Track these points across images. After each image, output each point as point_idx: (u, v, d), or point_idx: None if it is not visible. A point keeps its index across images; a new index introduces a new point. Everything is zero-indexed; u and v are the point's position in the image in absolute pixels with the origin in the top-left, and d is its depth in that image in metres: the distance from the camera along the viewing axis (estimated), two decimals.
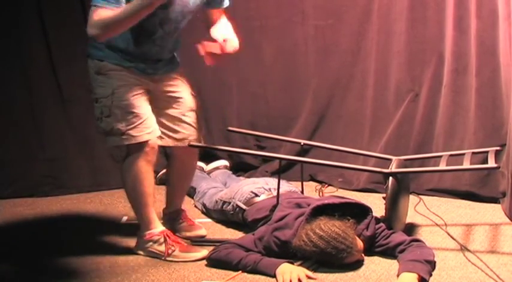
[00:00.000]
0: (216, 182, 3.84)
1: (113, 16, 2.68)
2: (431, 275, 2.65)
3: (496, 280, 2.60)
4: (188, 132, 3.12)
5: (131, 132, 2.89)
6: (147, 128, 2.92)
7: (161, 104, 3.06)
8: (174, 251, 2.95)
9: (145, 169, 2.93)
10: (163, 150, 4.32)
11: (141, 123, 2.91)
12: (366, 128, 4.07)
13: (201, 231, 3.26)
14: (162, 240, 2.97)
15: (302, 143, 3.65)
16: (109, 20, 2.68)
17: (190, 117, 3.13)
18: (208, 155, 4.20)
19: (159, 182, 4.17)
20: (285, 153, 4.05)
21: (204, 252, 2.96)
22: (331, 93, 4.20)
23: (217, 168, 4.13)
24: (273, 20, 4.24)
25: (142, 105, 2.93)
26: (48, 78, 4.10)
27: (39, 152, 4.12)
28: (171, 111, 3.09)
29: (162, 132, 3.07)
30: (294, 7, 4.20)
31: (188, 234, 3.23)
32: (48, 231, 3.41)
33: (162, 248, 2.97)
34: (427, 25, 3.81)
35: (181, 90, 3.13)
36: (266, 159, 4.24)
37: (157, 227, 3.01)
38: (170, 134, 3.10)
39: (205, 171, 4.08)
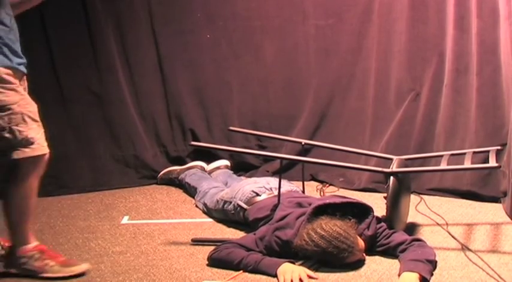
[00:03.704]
0: (217, 181, 3.84)
1: None
2: (432, 274, 2.65)
3: (497, 279, 2.60)
4: None
5: (41, 141, 2.70)
6: (44, 138, 2.75)
7: None
8: (52, 266, 2.77)
9: (36, 186, 2.75)
10: (165, 151, 4.35)
11: (43, 132, 2.74)
12: (366, 128, 4.07)
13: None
14: (37, 255, 2.77)
15: (303, 143, 3.65)
16: None
17: None
18: (209, 155, 4.20)
19: (160, 182, 4.19)
20: (286, 152, 4.06)
21: (84, 265, 2.81)
22: (332, 92, 4.21)
23: (218, 168, 4.13)
24: (274, 20, 4.24)
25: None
26: (49, 78, 4.10)
27: None
28: None
29: None
30: (294, 7, 4.20)
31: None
32: (48, 231, 3.40)
33: (38, 263, 2.77)
34: (428, 24, 3.81)
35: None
36: (267, 159, 4.24)
37: (32, 242, 2.80)
38: None
39: (206, 171, 4.08)
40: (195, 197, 3.75)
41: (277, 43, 4.27)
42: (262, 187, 3.32)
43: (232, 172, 4.10)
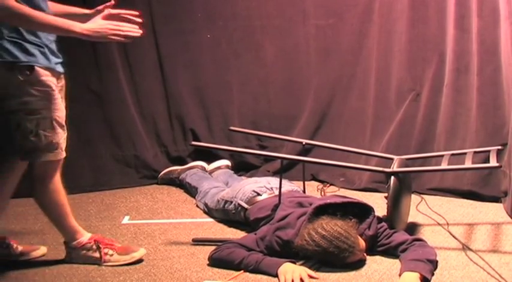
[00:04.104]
0: (218, 181, 3.84)
1: (31, 13, 2.51)
2: (433, 274, 2.65)
3: (498, 279, 2.60)
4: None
5: (63, 146, 2.79)
6: (65, 142, 2.83)
7: None
8: (112, 255, 2.91)
9: (59, 182, 2.84)
10: (165, 151, 4.35)
11: (66, 136, 2.82)
12: (367, 128, 4.07)
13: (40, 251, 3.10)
14: (94, 246, 2.92)
15: (304, 143, 3.65)
16: (23, 12, 2.49)
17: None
18: (209, 155, 4.20)
19: (160, 182, 4.19)
20: (286, 152, 4.06)
21: (141, 250, 2.94)
22: (333, 92, 4.21)
23: (219, 167, 4.13)
24: (274, 20, 4.24)
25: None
26: None
27: None
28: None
29: None
30: (295, 6, 4.20)
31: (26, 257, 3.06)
32: (49, 231, 3.40)
33: (97, 254, 2.91)
34: (428, 24, 3.81)
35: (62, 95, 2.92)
36: (268, 159, 4.24)
37: (85, 235, 2.94)
38: None
39: (207, 171, 4.08)
40: (196, 197, 3.75)
41: (277, 43, 4.27)
42: (263, 187, 3.32)
43: (232, 172, 4.10)
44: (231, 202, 3.34)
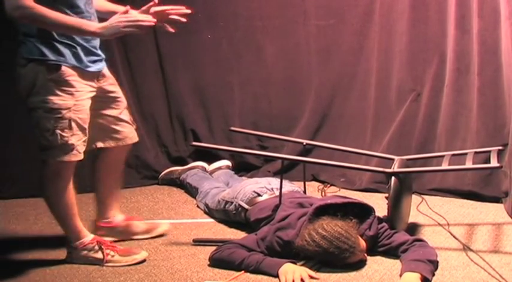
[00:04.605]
0: (218, 182, 3.84)
1: (45, 13, 2.53)
2: (433, 274, 2.65)
3: (499, 280, 2.60)
4: (127, 130, 3.05)
5: (80, 148, 2.79)
6: (85, 144, 2.83)
7: (98, 104, 2.90)
8: (113, 256, 2.91)
9: (71, 187, 2.85)
10: (166, 152, 4.35)
11: (85, 139, 2.82)
12: (368, 128, 4.07)
13: (162, 227, 3.21)
14: (96, 247, 2.92)
15: (304, 143, 3.65)
16: (37, 12, 2.53)
17: (127, 115, 3.05)
18: (210, 155, 4.20)
19: (161, 182, 4.19)
20: (287, 153, 4.05)
21: (143, 253, 2.94)
22: (333, 93, 4.20)
23: (219, 168, 4.13)
24: (275, 20, 4.24)
25: (89, 118, 2.83)
26: None
27: None
28: (109, 112, 2.98)
29: (103, 134, 2.99)
30: (295, 7, 4.20)
31: (148, 234, 3.19)
32: (50, 231, 3.40)
33: (99, 255, 2.91)
34: (429, 24, 3.81)
35: (117, 88, 3.01)
36: (268, 159, 4.24)
37: (88, 236, 2.94)
38: (111, 135, 3.02)
39: (207, 171, 4.08)
40: (196, 198, 3.75)
41: (278, 43, 4.27)
42: (263, 187, 3.32)
43: (233, 172, 4.10)
44: (232, 203, 3.34)
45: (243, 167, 4.28)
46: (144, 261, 2.93)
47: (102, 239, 2.97)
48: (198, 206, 3.71)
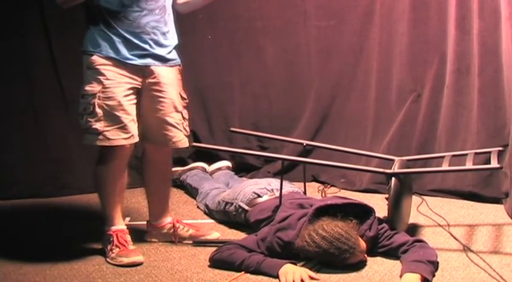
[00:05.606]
0: (219, 182, 3.84)
1: None
2: (434, 275, 2.65)
3: (499, 280, 2.60)
4: (171, 134, 3.04)
5: (108, 134, 2.85)
6: (126, 133, 2.87)
7: (145, 103, 2.96)
8: (113, 253, 2.94)
9: (116, 174, 2.96)
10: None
11: (120, 126, 2.86)
12: (368, 129, 4.07)
13: (212, 236, 3.22)
14: (111, 239, 2.97)
15: (304, 144, 3.66)
16: None
17: (174, 119, 3.03)
18: (210, 156, 4.20)
19: None
20: (287, 153, 4.05)
21: (139, 257, 2.92)
22: (334, 93, 4.20)
23: (219, 169, 4.13)
24: (275, 21, 4.24)
25: (127, 107, 2.86)
26: (51, 79, 4.10)
27: (42, 153, 4.12)
28: (154, 112, 2.99)
29: (145, 134, 3.01)
30: (296, 8, 4.20)
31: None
32: (50, 232, 3.41)
33: (109, 247, 2.96)
34: (429, 25, 3.81)
35: (169, 89, 2.99)
36: (268, 160, 4.24)
37: (115, 225, 3.00)
38: (153, 136, 3.04)
39: (207, 172, 4.08)
40: (197, 198, 3.75)
41: (278, 44, 4.27)
42: (263, 188, 3.32)
43: (233, 173, 4.10)
44: (232, 204, 3.34)
45: (243, 168, 4.28)
46: (137, 264, 2.90)
47: (122, 235, 2.98)
48: (198, 207, 3.72)
